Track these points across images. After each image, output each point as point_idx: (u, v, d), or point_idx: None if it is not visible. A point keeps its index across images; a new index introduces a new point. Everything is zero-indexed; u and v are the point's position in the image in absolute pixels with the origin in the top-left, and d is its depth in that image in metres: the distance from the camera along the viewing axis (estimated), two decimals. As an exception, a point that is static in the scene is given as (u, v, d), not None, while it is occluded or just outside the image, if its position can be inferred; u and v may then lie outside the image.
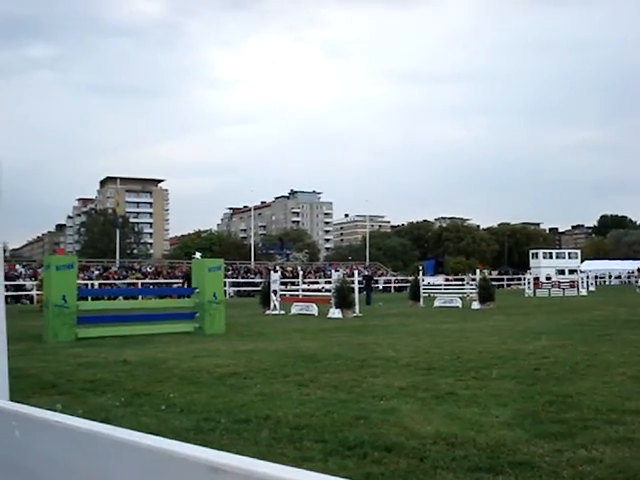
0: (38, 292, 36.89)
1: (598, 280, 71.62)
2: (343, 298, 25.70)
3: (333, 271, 31.43)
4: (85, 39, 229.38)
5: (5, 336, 1.87)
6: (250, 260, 72.97)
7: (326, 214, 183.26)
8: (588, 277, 56.41)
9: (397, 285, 64.49)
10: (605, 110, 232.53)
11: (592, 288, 54.94)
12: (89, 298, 33.80)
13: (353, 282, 27.32)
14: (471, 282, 37.48)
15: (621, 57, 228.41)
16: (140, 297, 30.25)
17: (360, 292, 29.09)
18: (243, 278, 58.43)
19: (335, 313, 25.17)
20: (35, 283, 42.65)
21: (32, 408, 1.44)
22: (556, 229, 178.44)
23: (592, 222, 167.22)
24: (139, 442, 1.06)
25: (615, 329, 17.19)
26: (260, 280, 47.02)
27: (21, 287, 45.67)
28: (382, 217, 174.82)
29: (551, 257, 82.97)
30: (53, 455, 1.27)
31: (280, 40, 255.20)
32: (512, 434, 6.07)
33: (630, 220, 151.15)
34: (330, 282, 29.22)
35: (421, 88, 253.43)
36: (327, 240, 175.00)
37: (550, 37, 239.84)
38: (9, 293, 40.88)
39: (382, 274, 72.47)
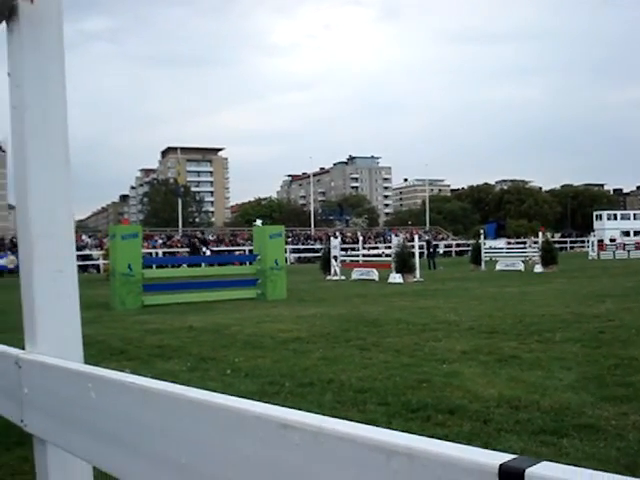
0: (104, 261, 37.77)
1: (665, 241, 69.84)
2: (403, 263, 25.64)
3: (393, 236, 31.35)
4: (139, 10, 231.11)
5: (78, 302, 1.95)
6: (310, 226, 73.23)
7: (385, 179, 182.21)
8: (654, 238, 55.09)
9: (458, 249, 64.05)
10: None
11: (659, 249, 53.65)
12: (154, 266, 34.45)
13: (413, 247, 27.23)
14: (533, 245, 36.98)
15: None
16: (203, 265, 30.67)
17: (421, 256, 29.00)
18: (303, 244, 58.76)
19: (396, 278, 25.16)
20: (101, 253, 43.66)
21: (107, 370, 1.50)
22: (621, 190, 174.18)
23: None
24: (212, 401, 1.10)
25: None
26: (320, 246, 47.26)
27: (88, 257, 46.79)
28: (441, 181, 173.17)
29: (615, 218, 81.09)
30: (130, 415, 1.33)
31: (335, 4, 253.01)
32: (577, 397, 6.02)
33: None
34: (390, 247, 29.16)
35: (478, 48, 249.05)
36: (386, 205, 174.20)
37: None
38: (77, 263, 41.88)
39: (442, 238, 72.00)
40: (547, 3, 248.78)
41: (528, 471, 0.70)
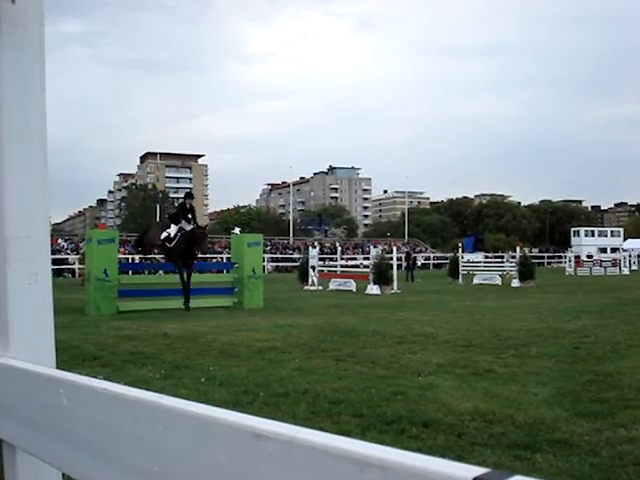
0: (80, 266, 37.48)
1: (641, 259, 70.50)
2: (381, 274, 25.70)
3: (371, 247, 31.38)
4: (117, 16, 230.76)
5: (52, 307, 1.92)
6: (289, 236, 73.23)
7: (365, 190, 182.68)
8: (630, 256, 55.65)
9: (436, 262, 64.29)
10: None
11: (635, 267, 54.22)
12: (130, 272, 34.21)
13: (392, 258, 27.29)
14: (511, 260, 37.16)
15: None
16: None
17: (400, 268, 29.05)
18: (282, 254, 58.69)
19: (373, 289, 25.19)
20: (77, 257, 43.35)
21: (79, 376, 1.48)
22: (598, 207, 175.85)
23: (636, 200, 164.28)
24: (185, 409, 1.08)
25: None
26: (298, 256, 47.19)
27: (63, 261, 46.44)
28: (421, 193, 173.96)
29: (593, 235, 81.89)
30: (102, 422, 1.31)
31: (311, 14, 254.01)
32: (551, 412, 6.04)
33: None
34: (368, 258, 29.20)
35: (457, 61, 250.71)
36: (366, 216, 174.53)
37: (590, 7, 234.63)
38: (52, 267, 41.58)
39: (421, 251, 72.27)
40: (527, 18, 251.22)
41: (500, 485, 0.69)
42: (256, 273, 18.93)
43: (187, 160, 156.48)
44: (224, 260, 45.30)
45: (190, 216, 18.12)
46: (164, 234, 17.97)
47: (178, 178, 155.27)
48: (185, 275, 17.59)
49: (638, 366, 8.44)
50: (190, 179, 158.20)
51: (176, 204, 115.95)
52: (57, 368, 1.82)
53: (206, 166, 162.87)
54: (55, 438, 1.52)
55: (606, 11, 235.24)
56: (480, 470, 0.68)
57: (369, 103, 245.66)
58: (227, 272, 20.28)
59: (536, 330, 12.26)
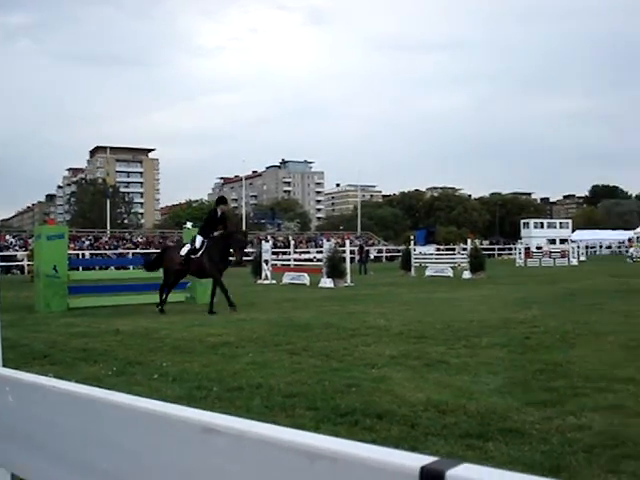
0: (29, 262, 36.84)
1: (589, 250, 71.95)
2: (335, 267, 25.74)
3: (324, 241, 31.44)
4: (62, 7, 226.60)
5: (-2, 304, 1.88)
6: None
7: (317, 184, 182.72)
8: (579, 247, 56.75)
9: (389, 255, 64.64)
10: (599, 80, 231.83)
11: (583, 258, 55.28)
12: (80, 268, 33.76)
13: (345, 252, 27.36)
14: (462, 252, 37.56)
15: (610, 27, 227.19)
16: (131, 267, 30.20)
17: (353, 261, 29.15)
18: (235, 248, 58.36)
19: (326, 282, 25.23)
20: (26, 253, 42.57)
21: (25, 373, 1.45)
22: (547, 199, 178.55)
23: (583, 192, 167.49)
24: (136, 405, 1.07)
25: (605, 298, 17.30)
26: (251, 250, 47.01)
27: (11, 258, 45.57)
28: (374, 187, 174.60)
29: (542, 227, 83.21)
30: (51, 420, 1.28)
31: (259, 8, 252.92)
32: (502, 402, 6.13)
33: (621, 190, 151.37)
34: (321, 252, 29.24)
35: (409, 57, 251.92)
36: (318, 210, 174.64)
37: (536, 4, 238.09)
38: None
39: (373, 244, 72.58)
40: (476, 14, 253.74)
41: (448, 473, 0.70)
42: (209, 268, 18.79)
43: (138, 154, 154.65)
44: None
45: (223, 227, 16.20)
46: (184, 249, 16.11)
47: (129, 172, 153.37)
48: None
49: (586, 355, 8.61)
50: (141, 173, 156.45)
51: (127, 199, 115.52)
52: (4, 366, 1.78)
53: (157, 160, 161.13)
54: (2, 437, 1.49)
55: (552, 8, 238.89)
56: (428, 459, 0.68)
57: (322, 97, 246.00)
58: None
59: (487, 321, 12.41)
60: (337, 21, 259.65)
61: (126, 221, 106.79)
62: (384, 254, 65.26)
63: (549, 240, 73.08)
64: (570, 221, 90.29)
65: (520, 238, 73.81)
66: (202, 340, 10.48)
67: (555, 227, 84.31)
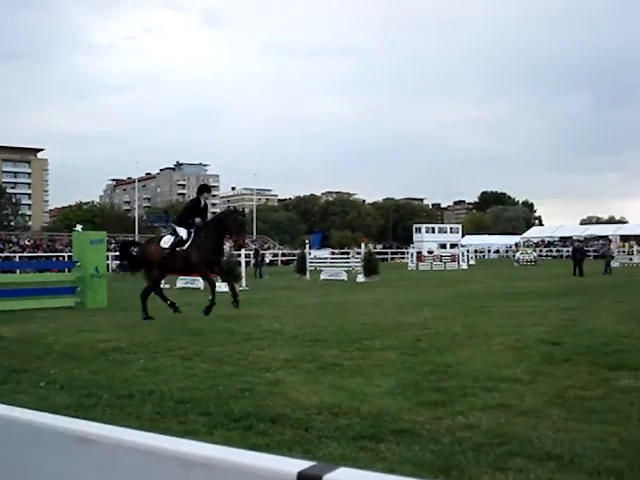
0: None
1: (478, 254, 74.39)
2: (229, 271, 25.56)
3: (219, 245, 31.22)
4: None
5: None
6: (134, 233, 71.52)
7: (213, 187, 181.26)
8: (468, 251, 58.44)
9: (284, 259, 64.74)
10: (487, 88, 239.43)
11: (472, 262, 56.89)
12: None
13: (240, 255, 27.21)
14: (356, 256, 38.02)
15: (497, 38, 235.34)
16: (18, 271, 29.10)
17: (248, 265, 29.03)
18: (127, 252, 57.16)
19: (221, 286, 25.02)
20: None
21: None
22: (439, 204, 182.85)
23: (473, 198, 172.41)
24: (8, 415, 1.01)
25: (493, 301, 17.85)
26: (145, 254, 46.13)
27: None
28: (269, 190, 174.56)
29: (433, 231, 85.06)
30: None
31: (154, 7, 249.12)
32: (394, 403, 6.21)
33: (509, 197, 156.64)
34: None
35: (306, 60, 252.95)
36: (214, 213, 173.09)
37: (426, 13, 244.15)
38: None
39: (269, 247, 72.59)
40: (370, 22, 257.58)
41: (325, 478, 0.68)
42: (99, 272, 18.35)
43: (26, 154, 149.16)
44: (66, 259, 43.60)
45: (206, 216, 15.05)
46: (166, 240, 14.61)
47: (16, 173, 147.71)
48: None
49: (475, 356, 8.85)
50: (29, 174, 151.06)
51: (14, 200, 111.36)
52: None
53: (46, 160, 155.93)
54: None
55: (441, 17, 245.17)
56: (305, 464, 0.66)
57: (218, 99, 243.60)
58: (69, 271, 19.54)
59: (380, 324, 12.59)
60: (233, 24, 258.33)
61: (12, 223, 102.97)
62: (279, 258, 65.34)
63: (440, 244, 74.81)
64: (460, 226, 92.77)
65: (412, 242, 75.27)
66: (92, 346, 10.18)
67: (446, 232, 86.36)
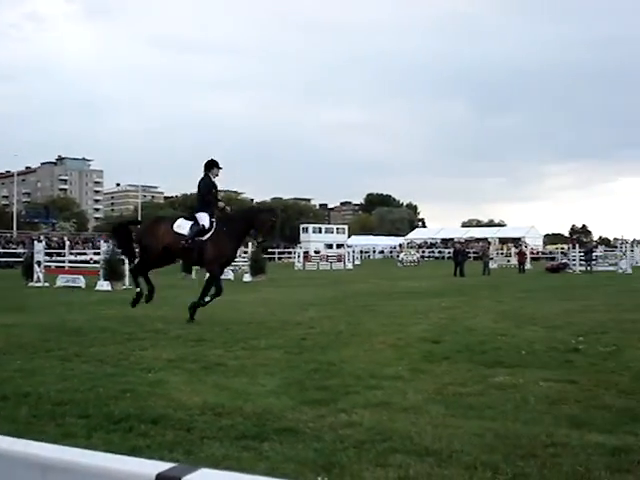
0: None
1: (363, 254, 75.53)
2: (113, 270, 25.00)
3: (102, 242, 30.39)
4: None
5: None
6: (12, 229, 68.83)
7: (96, 182, 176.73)
8: (354, 251, 59.33)
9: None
10: (371, 93, 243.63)
11: (358, 262, 57.89)
12: None
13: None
14: (243, 255, 37.90)
15: (386, 42, 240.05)
16: None
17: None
18: (4, 248, 55.02)
19: (104, 285, 24.45)
20: None
21: None
22: (326, 205, 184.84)
23: (359, 199, 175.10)
24: None
25: (377, 300, 18.19)
26: (23, 251, 44.49)
27: None
28: (155, 187, 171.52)
29: (320, 232, 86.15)
30: None
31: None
32: (278, 402, 6.22)
33: (394, 199, 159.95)
34: (99, 253, 28.25)
35: (193, 57, 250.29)
36: (97, 210, 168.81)
37: (316, 15, 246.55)
38: None
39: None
40: (259, 20, 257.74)
41: (184, 479, 0.67)
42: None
43: None
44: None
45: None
46: (183, 226, 13.04)
47: None
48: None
49: (358, 354, 8.99)
50: None
51: None
52: None
53: None
54: None
55: (330, 20, 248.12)
56: (165, 465, 0.65)
57: (103, 93, 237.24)
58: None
59: (266, 323, 12.60)
60: (120, 17, 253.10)
61: None
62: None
63: (327, 245, 75.79)
64: (346, 227, 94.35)
65: (299, 242, 75.78)
66: (-37, 347, 9.73)
67: (332, 232, 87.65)
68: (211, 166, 13.31)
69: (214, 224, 12.95)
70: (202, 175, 13.30)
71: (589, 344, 9.73)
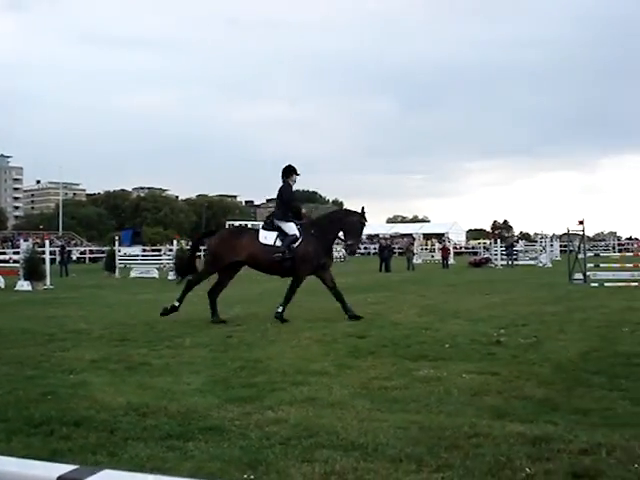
0: None
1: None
2: (33, 269, 24.40)
3: (22, 241, 29.61)
4: None
5: None
6: None
7: (15, 180, 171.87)
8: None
9: (92, 256, 62.60)
10: (298, 89, 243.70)
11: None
12: None
13: (44, 252, 26.03)
14: (168, 253, 37.50)
15: (311, 40, 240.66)
16: None
17: (53, 263, 27.82)
18: None
19: (24, 285, 23.85)
20: None
21: None
22: (252, 202, 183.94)
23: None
24: None
25: (303, 296, 18.16)
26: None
27: None
28: (77, 185, 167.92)
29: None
30: None
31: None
32: (204, 400, 6.18)
33: (320, 195, 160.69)
34: (18, 252, 27.53)
35: (117, 51, 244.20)
36: (16, 208, 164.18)
37: (243, 11, 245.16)
38: None
39: (76, 244, 69.97)
40: (186, 15, 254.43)
41: (86, 481, 0.66)
42: None
43: None
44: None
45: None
46: (268, 237, 12.84)
47: None
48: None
49: (285, 351, 9.00)
50: None
51: None
52: None
53: None
54: None
55: (258, 16, 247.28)
56: (67, 468, 0.64)
57: (21, 87, 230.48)
58: None
59: (191, 321, 12.49)
60: (41, 8, 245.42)
61: None
62: (87, 255, 63.12)
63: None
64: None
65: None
66: None
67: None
68: (290, 172, 13.12)
69: (299, 231, 12.81)
70: (281, 183, 13.14)
71: (510, 336, 9.95)
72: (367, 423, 5.35)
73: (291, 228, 12.77)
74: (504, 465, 4.35)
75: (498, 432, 5.04)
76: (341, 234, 13.16)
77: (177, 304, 12.76)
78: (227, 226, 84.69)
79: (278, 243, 12.64)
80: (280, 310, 12.50)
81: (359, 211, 13.31)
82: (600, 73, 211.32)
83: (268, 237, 12.78)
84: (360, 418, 5.51)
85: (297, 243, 12.69)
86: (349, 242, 13.26)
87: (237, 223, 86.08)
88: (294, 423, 5.37)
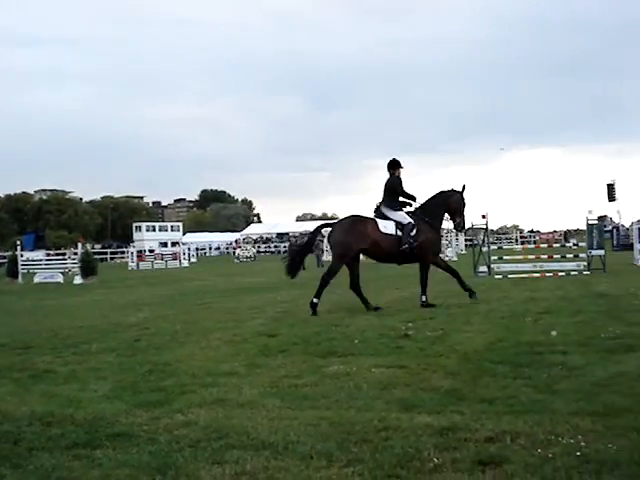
0: None
1: (199, 252, 75.02)
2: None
3: None
4: None
5: None
6: None
7: None
8: (190, 249, 58.84)
9: (-7, 262, 60.51)
10: (205, 88, 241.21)
11: (194, 259, 57.49)
12: None
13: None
14: (73, 256, 36.59)
15: (221, 38, 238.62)
16: None
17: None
18: None
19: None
20: None
21: None
22: (159, 202, 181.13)
23: (194, 196, 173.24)
24: None
25: (213, 297, 18.12)
26: None
27: None
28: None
29: (154, 230, 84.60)
30: None
31: None
32: (111, 407, 6.06)
33: (229, 195, 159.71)
34: None
35: (15, 49, 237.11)
36: None
37: (159, 10, 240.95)
38: None
39: (-25, 251, 67.41)
40: (86, 12, 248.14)
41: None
42: None
43: None
44: None
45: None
46: (387, 226, 13.15)
47: None
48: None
49: (195, 353, 8.91)
50: None
51: None
52: None
53: None
54: None
55: (167, 14, 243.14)
56: None
57: None
58: None
59: (97, 326, 12.23)
60: None
61: None
62: (-12, 261, 60.93)
63: (161, 243, 74.47)
64: (181, 224, 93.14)
65: (133, 241, 74.12)
66: None
67: (167, 230, 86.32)
68: (396, 166, 13.61)
69: (414, 219, 13.28)
70: (389, 175, 13.65)
71: (418, 329, 10.11)
72: (277, 421, 5.36)
73: (404, 217, 13.34)
74: (413, 456, 4.42)
75: (407, 424, 5.12)
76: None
77: (315, 300, 12.97)
78: (133, 228, 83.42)
79: (399, 233, 13.13)
80: (424, 299, 13.25)
81: (459, 189, 13.90)
82: (503, 74, 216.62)
83: (388, 226, 13.21)
84: (270, 417, 5.51)
85: (414, 231, 13.13)
86: (457, 220, 13.92)
87: (144, 224, 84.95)
88: (204, 425, 5.34)
